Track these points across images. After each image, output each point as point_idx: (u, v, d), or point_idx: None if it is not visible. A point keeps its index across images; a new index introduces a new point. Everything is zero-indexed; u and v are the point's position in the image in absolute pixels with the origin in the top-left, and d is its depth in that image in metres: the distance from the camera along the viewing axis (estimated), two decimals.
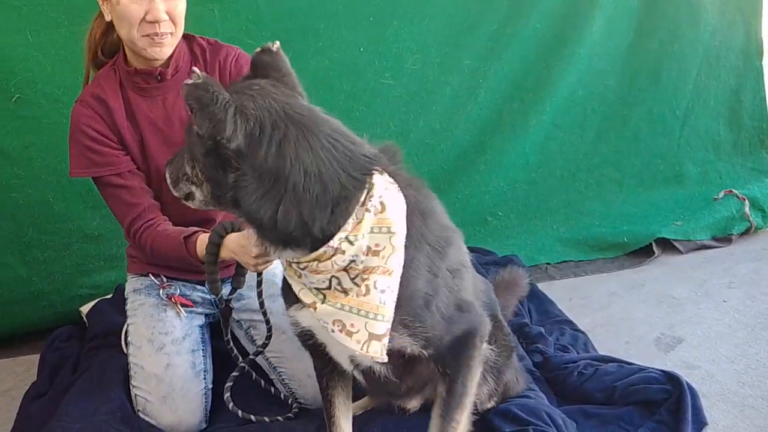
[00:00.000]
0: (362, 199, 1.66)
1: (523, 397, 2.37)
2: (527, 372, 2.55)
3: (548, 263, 3.85)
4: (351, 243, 1.65)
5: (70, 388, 2.59)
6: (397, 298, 1.72)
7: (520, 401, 2.34)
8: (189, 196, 1.86)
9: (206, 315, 2.66)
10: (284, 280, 1.90)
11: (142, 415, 2.44)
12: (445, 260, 1.83)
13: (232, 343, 2.49)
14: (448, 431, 1.95)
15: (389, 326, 1.71)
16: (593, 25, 3.84)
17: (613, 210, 4.10)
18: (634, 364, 2.58)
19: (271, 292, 2.36)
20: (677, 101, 4.14)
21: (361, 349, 1.71)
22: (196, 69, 1.63)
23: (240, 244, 2.14)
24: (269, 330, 2.47)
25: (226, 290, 2.40)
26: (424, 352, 1.84)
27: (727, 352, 2.87)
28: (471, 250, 2.32)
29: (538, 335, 2.87)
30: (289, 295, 1.88)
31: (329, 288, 1.73)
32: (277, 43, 1.80)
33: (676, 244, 3.84)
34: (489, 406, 2.29)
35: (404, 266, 1.72)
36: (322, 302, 1.75)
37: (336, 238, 1.64)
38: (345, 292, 1.72)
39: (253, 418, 2.43)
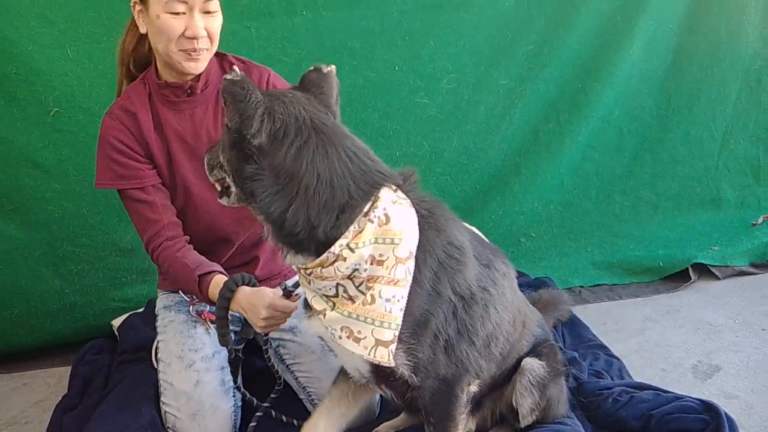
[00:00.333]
0: (366, 209, 1.74)
1: (558, 423, 2.33)
2: None
3: (582, 286, 3.81)
4: (351, 251, 1.72)
5: (101, 402, 2.59)
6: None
7: (556, 427, 2.30)
8: (222, 183, 1.97)
9: (235, 332, 2.65)
10: None
11: None
12: (453, 283, 1.86)
13: (270, 360, 2.48)
14: None
15: (397, 333, 1.77)
16: (631, 47, 3.80)
17: (648, 233, 4.04)
18: (671, 392, 2.53)
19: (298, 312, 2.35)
20: (716, 124, 4.07)
21: (369, 354, 1.78)
22: (235, 67, 1.76)
23: (251, 302, 2.16)
24: (279, 383, 2.49)
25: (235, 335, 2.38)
26: (414, 378, 1.88)
27: (766, 382, 2.80)
28: None
29: (572, 360, 2.82)
30: (306, 306, 1.95)
31: (337, 296, 1.81)
32: (333, 66, 1.89)
33: (713, 269, 3.79)
34: (530, 420, 2.25)
35: (413, 279, 1.78)
36: (332, 309, 1.82)
37: (337, 244, 1.72)
38: (352, 299, 1.79)
39: None
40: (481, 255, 2.00)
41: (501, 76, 3.74)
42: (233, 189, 1.89)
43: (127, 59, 2.52)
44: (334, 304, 1.82)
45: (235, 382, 2.42)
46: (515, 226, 3.92)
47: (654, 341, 3.18)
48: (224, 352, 2.53)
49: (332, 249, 1.72)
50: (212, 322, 2.53)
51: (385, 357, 1.78)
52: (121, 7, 2.98)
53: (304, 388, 2.57)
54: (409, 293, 1.79)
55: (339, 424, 2.19)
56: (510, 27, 3.68)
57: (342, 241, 1.72)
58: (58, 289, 3.37)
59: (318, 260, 1.75)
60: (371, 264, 1.75)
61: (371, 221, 1.73)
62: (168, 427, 2.43)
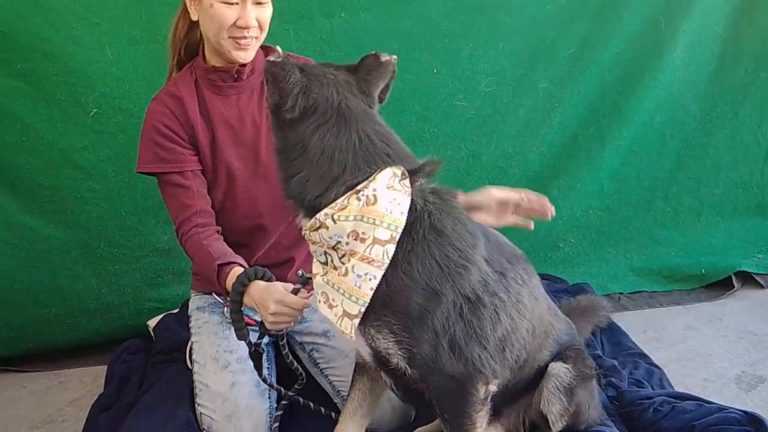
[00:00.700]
0: (358, 187, 1.81)
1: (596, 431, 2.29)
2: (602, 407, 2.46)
3: (621, 293, 3.76)
4: (334, 222, 1.81)
5: (136, 402, 2.59)
6: (388, 298, 1.84)
7: None
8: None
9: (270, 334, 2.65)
10: None
11: None
12: (455, 283, 1.87)
13: (294, 363, 2.45)
14: None
15: (362, 309, 1.82)
16: (674, 51, 3.72)
17: (690, 240, 3.96)
18: (714, 403, 2.46)
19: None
20: (761, 129, 3.97)
21: (336, 323, 1.87)
22: (279, 48, 1.89)
23: (262, 296, 2.14)
24: (301, 377, 2.45)
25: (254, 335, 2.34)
26: (409, 369, 1.90)
27: None
28: (541, 277, 2.28)
29: (611, 368, 2.77)
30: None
31: (326, 263, 1.91)
32: (393, 57, 2.01)
33: (757, 277, 3.71)
34: (561, 426, 2.20)
35: (400, 270, 1.83)
36: (322, 276, 1.92)
37: (322, 213, 1.82)
38: (335, 269, 1.88)
39: None
40: (494, 260, 1.99)
41: (541, 80, 3.69)
42: None
43: (179, 45, 2.56)
44: (326, 272, 1.92)
45: (259, 375, 2.39)
46: (554, 231, 3.85)
47: (696, 350, 3.11)
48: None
49: (318, 215, 1.83)
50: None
51: (348, 329, 1.85)
52: (161, 9, 3.05)
53: (338, 392, 2.54)
54: (400, 285, 1.84)
55: (364, 423, 2.23)
56: (550, 30, 3.63)
57: (328, 211, 1.82)
58: (95, 289, 3.39)
59: (309, 223, 1.86)
60: (353, 239, 1.81)
61: (358, 199, 1.80)
62: (203, 429, 2.42)
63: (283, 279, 2.29)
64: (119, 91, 3.20)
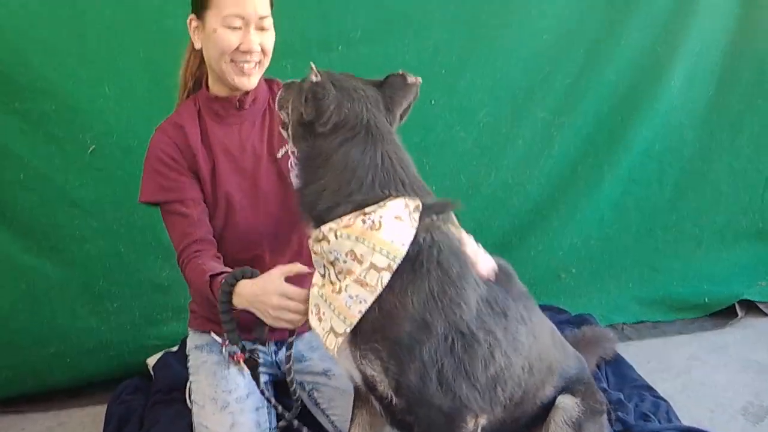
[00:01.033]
0: (367, 209, 1.81)
1: None
2: None
3: (624, 323, 3.73)
4: (335, 237, 1.82)
5: None
6: (379, 324, 1.83)
7: None
8: (283, 124, 2.10)
9: (269, 374, 2.62)
10: None
11: None
12: (447, 318, 1.85)
13: (297, 392, 2.41)
14: None
15: (348, 330, 1.83)
16: (672, 78, 3.74)
17: (692, 269, 3.95)
18: None
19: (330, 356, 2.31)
20: (760, 157, 3.98)
21: (322, 337, 1.88)
22: (313, 66, 1.91)
23: (255, 294, 2.10)
24: (297, 405, 2.41)
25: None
26: (395, 398, 1.89)
27: None
28: (543, 308, 2.26)
29: (617, 402, 2.74)
30: None
31: (324, 276, 1.91)
32: (418, 79, 2.02)
33: (760, 306, 3.68)
34: None
35: (395, 298, 1.82)
36: (319, 288, 1.93)
37: (327, 226, 1.83)
38: (332, 284, 1.87)
39: None
40: (495, 298, 1.97)
41: (539, 110, 3.69)
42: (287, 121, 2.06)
43: (190, 80, 2.56)
44: (323, 284, 1.92)
45: (258, 386, 2.35)
46: (555, 262, 3.85)
47: (701, 381, 3.09)
48: (258, 392, 2.49)
49: (322, 228, 1.84)
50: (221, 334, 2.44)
51: (332, 346, 1.86)
52: (159, 46, 3.05)
53: (339, 431, 2.51)
54: (393, 313, 1.82)
55: None
56: (547, 60, 3.64)
57: (332, 225, 1.83)
58: (93, 327, 3.35)
59: (314, 234, 1.88)
60: (351, 259, 1.82)
61: (364, 221, 1.80)
62: None
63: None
64: (118, 128, 3.18)
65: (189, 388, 2.63)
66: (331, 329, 1.86)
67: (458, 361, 1.87)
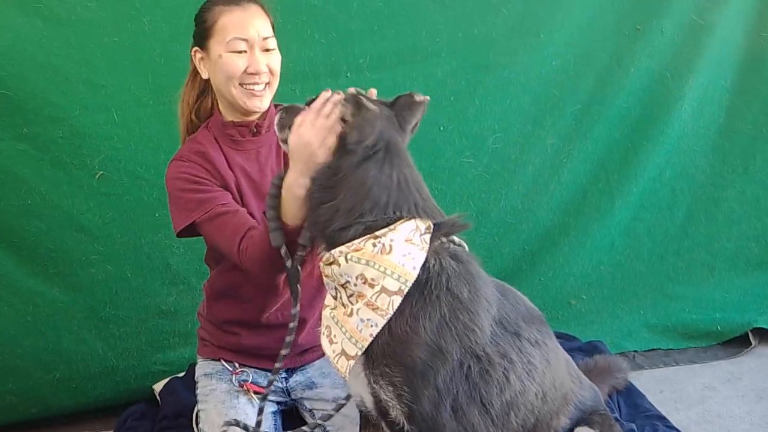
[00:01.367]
0: (378, 233, 1.80)
1: None
2: None
3: (635, 351, 3.68)
4: (346, 261, 1.81)
5: None
6: (389, 348, 1.81)
7: None
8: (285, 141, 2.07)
9: (278, 403, 2.59)
10: None
11: None
12: (462, 343, 1.83)
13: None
14: None
15: (360, 353, 1.82)
16: (682, 105, 3.72)
17: (704, 296, 3.90)
18: None
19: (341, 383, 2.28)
20: None
21: (333, 359, 1.88)
22: (374, 91, 2.00)
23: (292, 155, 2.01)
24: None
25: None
26: (407, 425, 1.86)
27: None
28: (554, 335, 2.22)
29: None
30: None
31: (336, 298, 1.92)
32: (426, 98, 2.05)
33: None
34: None
35: (405, 322, 1.81)
36: (330, 309, 1.93)
37: (337, 249, 1.83)
38: (344, 307, 1.87)
39: None
40: (509, 321, 1.96)
41: (548, 136, 3.68)
42: None
43: (189, 111, 2.54)
44: (335, 306, 1.92)
45: (293, 293, 2.19)
46: (565, 288, 3.81)
47: (715, 411, 3.04)
48: (268, 421, 2.45)
49: (333, 251, 1.84)
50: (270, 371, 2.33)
51: (344, 369, 1.85)
52: (167, 71, 3.05)
53: None
54: (403, 338, 1.80)
55: None
56: (557, 86, 3.63)
57: (343, 249, 1.82)
58: (100, 353, 3.34)
59: (325, 257, 1.87)
60: (361, 282, 1.81)
61: (374, 245, 1.80)
62: None
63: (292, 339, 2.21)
64: (125, 153, 3.19)
65: (196, 415, 2.61)
66: (343, 351, 1.86)
67: (473, 387, 1.86)
